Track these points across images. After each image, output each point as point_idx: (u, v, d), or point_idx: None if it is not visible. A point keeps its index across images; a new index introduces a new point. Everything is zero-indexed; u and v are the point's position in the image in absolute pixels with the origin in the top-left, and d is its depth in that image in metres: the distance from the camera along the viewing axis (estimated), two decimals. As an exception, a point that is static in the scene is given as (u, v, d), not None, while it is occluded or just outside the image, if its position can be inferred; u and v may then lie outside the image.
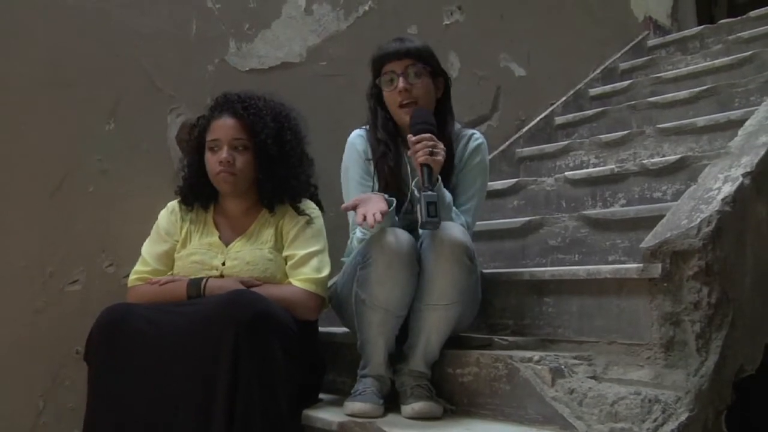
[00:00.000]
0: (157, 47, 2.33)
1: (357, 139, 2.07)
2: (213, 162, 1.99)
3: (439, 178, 1.83)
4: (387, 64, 1.99)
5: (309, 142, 2.11)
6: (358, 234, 1.93)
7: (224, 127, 1.99)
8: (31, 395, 2.04)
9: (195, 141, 2.06)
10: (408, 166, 2.01)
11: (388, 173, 1.99)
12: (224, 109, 2.02)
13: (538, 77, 3.53)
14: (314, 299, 1.94)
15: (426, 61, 1.99)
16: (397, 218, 1.88)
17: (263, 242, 2.02)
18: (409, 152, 1.85)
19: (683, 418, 1.49)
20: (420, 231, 1.82)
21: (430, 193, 1.74)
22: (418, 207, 1.74)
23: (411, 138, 1.83)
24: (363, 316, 1.81)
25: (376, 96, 2.05)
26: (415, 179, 1.84)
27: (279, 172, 2.00)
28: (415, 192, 1.82)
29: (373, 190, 1.98)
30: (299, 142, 2.07)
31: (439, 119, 1.97)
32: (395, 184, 1.98)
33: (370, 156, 2.03)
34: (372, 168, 2.02)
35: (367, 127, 2.09)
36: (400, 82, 1.95)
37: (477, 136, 2.08)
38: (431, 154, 1.79)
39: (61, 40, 2.15)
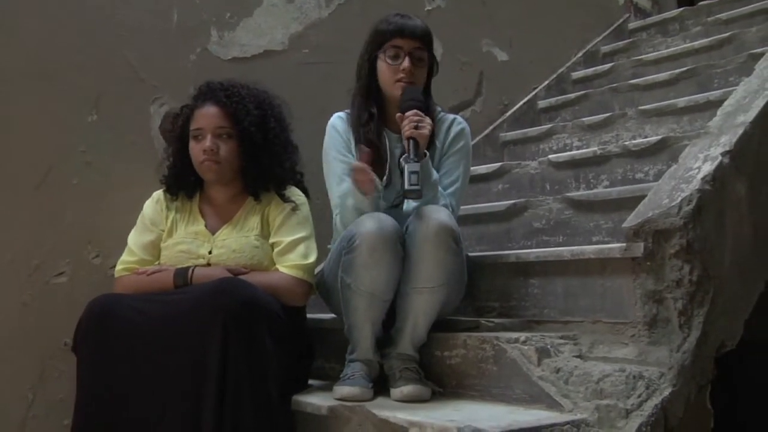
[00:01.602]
0: (139, 37, 2.32)
1: (337, 120, 2.08)
2: (197, 151, 1.99)
3: (427, 153, 1.85)
4: (396, 39, 1.98)
5: (293, 129, 2.11)
6: (349, 202, 1.92)
7: (207, 115, 1.99)
8: (21, 388, 2.05)
9: (179, 130, 2.05)
10: (387, 142, 2.02)
11: (367, 143, 1.99)
12: (207, 98, 2.01)
13: (520, 62, 3.54)
14: (301, 285, 1.95)
15: (430, 47, 2.03)
16: (381, 192, 1.91)
17: (249, 230, 2.02)
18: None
19: (666, 393, 1.52)
20: (405, 206, 1.88)
21: (413, 163, 1.77)
22: (403, 178, 1.77)
23: (399, 116, 1.87)
24: (349, 301, 1.82)
25: (371, 63, 2.03)
26: (403, 155, 1.86)
27: (263, 159, 2.01)
28: (403, 164, 1.83)
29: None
30: (283, 130, 2.07)
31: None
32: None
33: (350, 137, 2.04)
34: (353, 147, 2.02)
35: (347, 111, 2.09)
36: (407, 62, 1.96)
37: (459, 121, 2.10)
38: (416, 128, 1.82)
39: (41, 31, 2.14)
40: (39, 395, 2.06)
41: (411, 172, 1.76)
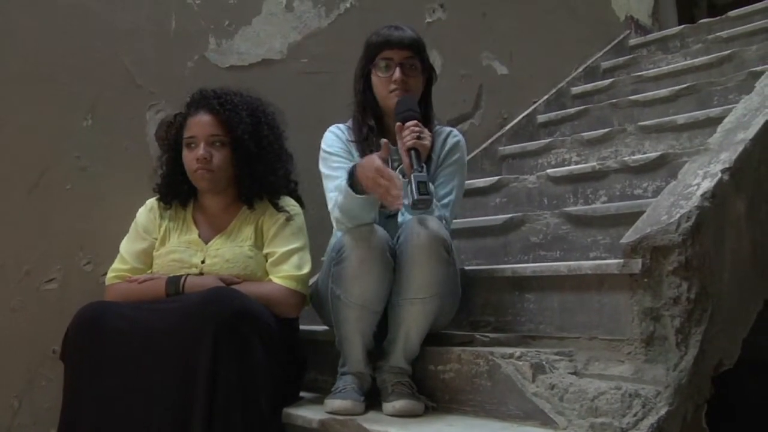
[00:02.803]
0: (136, 43, 2.31)
1: (336, 129, 2.05)
2: (190, 159, 1.97)
3: (425, 166, 1.81)
4: (386, 51, 1.96)
5: (287, 137, 2.09)
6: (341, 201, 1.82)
7: (200, 123, 1.97)
8: (7, 396, 2.01)
9: (172, 138, 2.04)
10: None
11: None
12: (200, 106, 2.00)
13: (520, 76, 3.54)
14: (295, 296, 1.93)
15: (422, 55, 2.00)
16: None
17: (243, 239, 2.00)
18: (398, 139, 1.83)
19: (663, 412, 1.49)
20: (400, 218, 1.84)
21: (420, 173, 1.73)
22: (409, 189, 1.71)
23: (398, 125, 1.83)
24: (339, 312, 1.80)
25: (366, 78, 2.02)
26: (399, 166, 1.83)
27: (257, 167, 1.99)
28: (400, 178, 1.80)
29: None
30: (277, 138, 2.05)
31: (421, 114, 1.96)
32: None
33: (351, 148, 2.00)
34: (355, 157, 1.98)
35: (345, 124, 2.07)
36: (398, 72, 1.94)
37: (455, 134, 2.08)
38: (418, 138, 1.79)
39: (37, 35, 2.12)
40: (25, 403, 2.03)
41: (420, 182, 1.71)
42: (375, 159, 1.72)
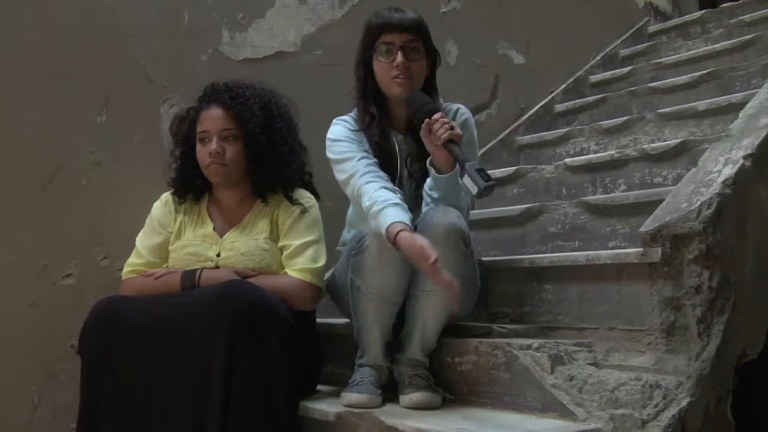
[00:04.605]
0: (149, 37, 2.30)
1: (340, 121, 2.00)
2: (203, 153, 1.96)
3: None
4: (386, 35, 1.90)
5: (301, 129, 2.08)
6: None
7: (213, 117, 1.96)
8: (27, 391, 2.03)
9: (185, 133, 2.03)
10: (395, 141, 1.96)
11: (375, 146, 1.94)
12: (212, 100, 1.99)
13: (537, 65, 3.49)
14: (310, 289, 1.92)
15: (424, 37, 1.94)
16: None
17: (258, 232, 1.99)
18: (430, 136, 1.76)
19: (684, 403, 1.47)
20: (423, 209, 1.81)
21: (472, 161, 1.69)
22: (468, 179, 1.66)
23: (426, 122, 1.75)
24: (358, 303, 1.79)
25: (366, 64, 1.96)
26: (429, 158, 1.78)
27: (270, 161, 1.97)
28: (432, 171, 1.77)
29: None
30: (290, 130, 2.04)
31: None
32: (383, 157, 1.93)
33: (362, 138, 1.95)
34: (367, 146, 1.94)
35: (349, 114, 2.03)
36: (399, 57, 1.88)
37: (463, 111, 2.01)
38: (451, 128, 1.73)
39: (50, 30, 2.13)
40: (45, 398, 2.04)
41: (478, 170, 1.66)
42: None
